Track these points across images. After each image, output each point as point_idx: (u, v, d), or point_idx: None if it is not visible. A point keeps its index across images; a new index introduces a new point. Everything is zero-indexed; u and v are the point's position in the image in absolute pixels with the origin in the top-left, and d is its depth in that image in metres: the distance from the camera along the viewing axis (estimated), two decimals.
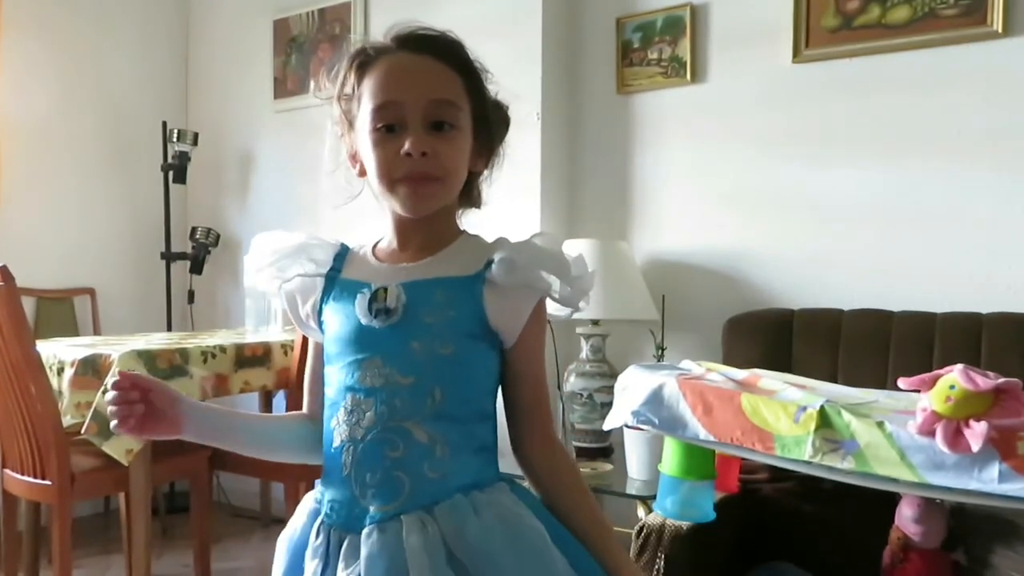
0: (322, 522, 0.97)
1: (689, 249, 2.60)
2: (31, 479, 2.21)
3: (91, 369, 2.20)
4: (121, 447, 2.13)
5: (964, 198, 2.16)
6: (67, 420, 2.18)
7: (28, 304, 2.91)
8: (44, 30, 3.27)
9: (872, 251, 2.28)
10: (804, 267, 2.39)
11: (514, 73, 2.72)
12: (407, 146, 0.92)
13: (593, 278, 1.02)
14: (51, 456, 2.14)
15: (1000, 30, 2.09)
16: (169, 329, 3.44)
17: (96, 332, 3.34)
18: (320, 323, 1.02)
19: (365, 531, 0.92)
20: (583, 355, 2.50)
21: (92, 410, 2.12)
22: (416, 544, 0.89)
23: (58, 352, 2.31)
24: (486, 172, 1.07)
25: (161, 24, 3.68)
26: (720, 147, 2.54)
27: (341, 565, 0.92)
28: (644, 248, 2.68)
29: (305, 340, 2.51)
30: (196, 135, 3.42)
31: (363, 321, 0.96)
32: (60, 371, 2.26)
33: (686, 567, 1.55)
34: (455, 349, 0.95)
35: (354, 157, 1.02)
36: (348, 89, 0.99)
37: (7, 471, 2.32)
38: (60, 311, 3.29)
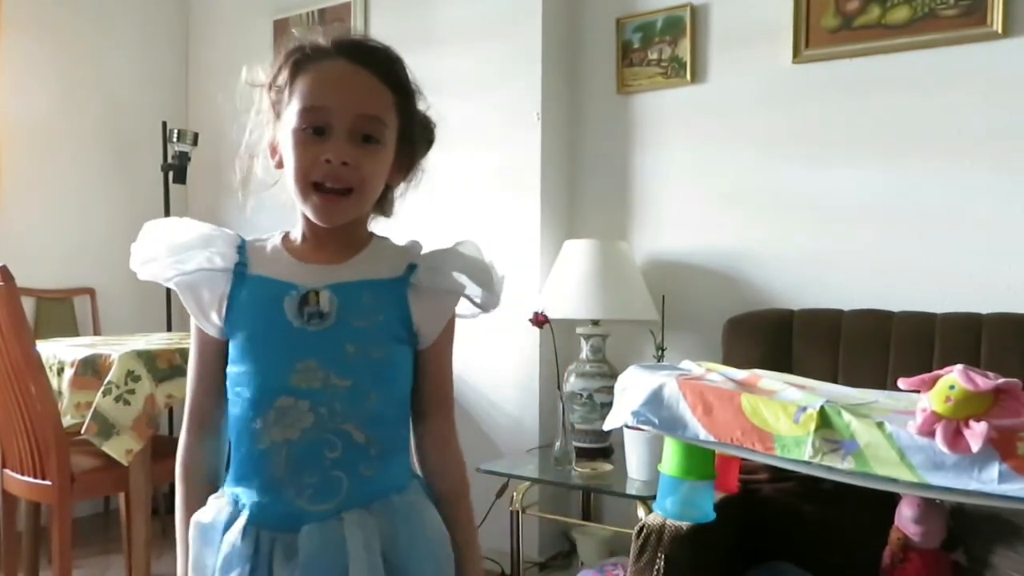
0: (246, 524, 0.94)
1: (689, 249, 2.60)
2: (31, 479, 2.21)
3: (91, 369, 2.20)
4: (121, 447, 2.13)
5: (964, 198, 2.16)
6: (67, 420, 2.18)
7: (28, 304, 2.91)
8: (44, 30, 3.27)
9: (872, 251, 2.28)
10: (804, 267, 2.39)
11: (514, 73, 2.74)
12: (329, 153, 0.94)
13: (503, 284, 1.07)
14: (51, 456, 2.14)
15: (1000, 30, 2.09)
16: (169, 329, 3.44)
17: (96, 332, 3.34)
18: (226, 319, 0.99)
19: (305, 529, 0.93)
20: (583, 355, 2.50)
21: (92, 410, 2.12)
22: (357, 540, 0.93)
23: (58, 352, 2.31)
24: (403, 185, 1.08)
25: (161, 24, 3.68)
26: (720, 147, 2.54)
27: (278, 565, 0.93)
28: (644, 248, 2.68)
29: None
30: (196, 135, 3.42)
31: (295, 324, 0.95)
32: (60, 371, 2.26)
33: (686, 567, 1.55)
34: (385, 352, 0.99)
35: (274, 148, 1.03)
36: (280, 81, 0.99)
37: (7, 471, 2.32)
38: (60, 311, 3.29)
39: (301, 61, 0.98)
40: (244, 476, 0.97)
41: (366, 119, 0.96)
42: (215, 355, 1.01)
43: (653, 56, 2.65)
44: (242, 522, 0.95)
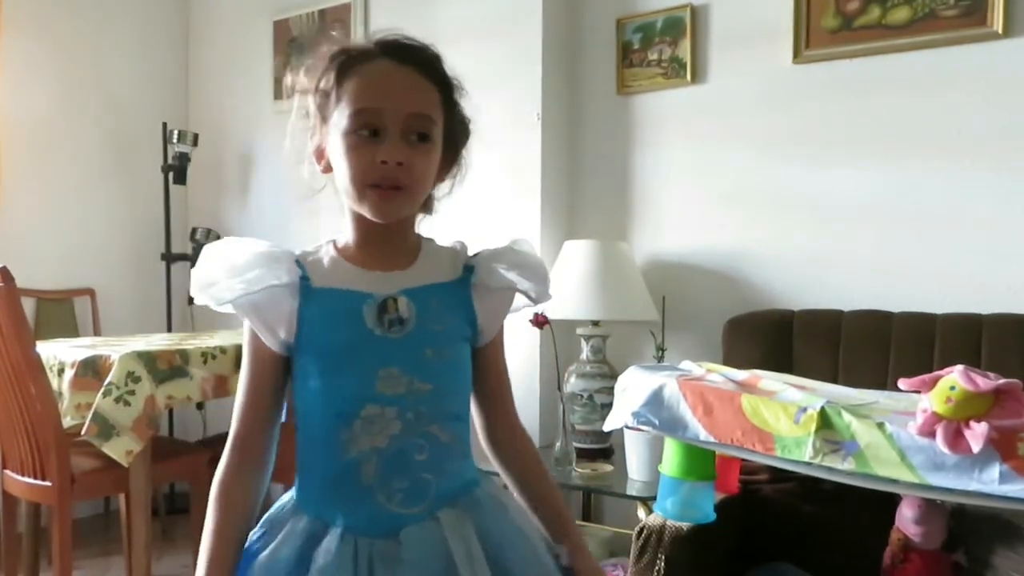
0: (343, 532, 0.94)
1: (689, 250, 2.60)
2: (31, 480, 2.21)
3: (91, 370, 2.20)
4: (121, 448, 2.13)
5: (964, 198, 2.16)
6: (67, 421, 2.18)
7: (28, 305, 2.91)
8: (44, 30, 3.27)
9: (872, 252, 2.28)
10: (804, 268, 2.39)
11: (514, 74, 2.74)
12: (384, 154, 0.94)
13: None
14: (51, 457, 2.14)
15: (1000, 31, 2.09)
16: (169, 330, 3.44)
17: (96, 333, 3.34)
18: (298, 335, 0.97)
19: (405, 532, 0.94)
20: (583, 356, 2.50)
21: (92, 411, 2.12)
22: (458, 538, 0.96)
23: (58, 353, 2.31)
24: (448, 181, 1.08)
25: (161, 25, 3.68)
26: (720, 148, 2.54)
27: (380, 571, 0.93)
28: (644, 249, 2.68)
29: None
30: (196, 136, 3.43)
31: (376, 332, 0.96)
32: (60, 372, 2.26)
33: (686, 568, 1.55)
34: (456, 353, 1.03)
35: (320, 153, 1.02)
36: (326, 85, 0.99)
37: (7, 472, 2.32)
38: (60, 312, 3.29)
39: (346, 64, 0.98)
40: (326, 492, 0.97)
41: (417, 118, 0.96)
42: (275, 372, 1.00)
43: (653, 56, 2.65)
44: (337, 531, 0.94)
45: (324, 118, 1.00)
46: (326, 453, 0.96)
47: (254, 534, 0.99)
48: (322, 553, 0.93)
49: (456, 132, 1.04)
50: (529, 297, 1.09)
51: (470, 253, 1.07)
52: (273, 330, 0.97)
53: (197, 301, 0.99)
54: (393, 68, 0.97)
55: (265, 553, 0.95)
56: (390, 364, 0.96)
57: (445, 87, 1.02)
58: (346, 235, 1.03)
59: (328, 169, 1.01)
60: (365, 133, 0.95)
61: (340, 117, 0.96)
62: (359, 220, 1.00)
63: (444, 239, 1.09)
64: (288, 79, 1.05)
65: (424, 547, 0.94)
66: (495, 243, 1.09)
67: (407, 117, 0.95)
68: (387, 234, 1.01)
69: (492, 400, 1.10)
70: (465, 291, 1.03)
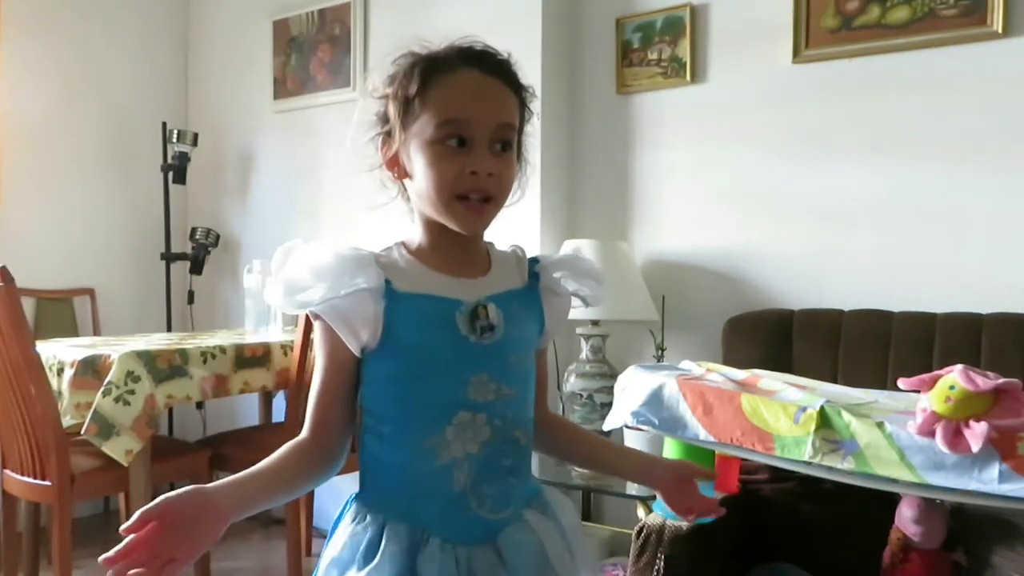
0: (443, 543, 0.94)
1: (689, 249, 2.60)
2: (31, 480, 2.21)
3: (91, 370, 2.20)
4: (121, 448, 2.13)
5: (964, 198, 2.16)
6: (67, 421, 2.18)
7: (28, 304, 2.91)
8: (44, 30, 3.27)
9: (872, 251, 2.28)
10: (804, 267, 2.39)
11: None
12: (475, 165, 0.94)
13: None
14: (51, 457, 2.14)
15: (1000, 30, 2.09)
16: (169, 329, 3.44)
17: (96, 332, 3.34)
18: (384, 338, 0.96)
19: (502, 536, 0.96)
20: (583, 355, 2.50)
21: (92, 410, 2.12)
22: (550, 538, 1.00)
23: (58, 353, 2.31)
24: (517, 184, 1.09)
25: (161, 25, 3.68)
26: (720, 147, 2.54)
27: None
28: (644, 248, 2.68)
29: (304, 348, 2.51)
30: (196, 135, 3.43)
31: (471, 339, 0.96)
32: (60, 372, 2.26)
33: (686, 567, 1.55)
34: (530, 358, 1.05)
35: (394, 160, 1.01)
36: (409, 92, 0.97)
37: (7, 472, 2.32)
38: (60, 311, 3.29)
39: (429, 71, 0.97)
40: (418, 496, 0.96)
41: (504, 127, 0.97)
42: (352, 372, 0.99)
43: (653, 56, 2.65)
44: (437, 542, 0.94)
45: (405, 126, 0.98)
46: (414, 459, 0.96)
47: (347, 557, 0.95)
48: (426, 567, 0.92)
49: (523, 136, 1.06)
50: (585, 301, 1.12)
51: (540, 259, 1.10)
52: (356, 333, 0.95)
53: (280, 306, 0.98)
54: (480, 78, 0.97)
55: (366, 572, 0.93)
56: (481, 370, 0.96)
57: (522, 95, 1.02)
58: (418, 240, 1.02)
59: (402, 176, 1.01)
60: (453, 143, 0.94)
61: (425, 126, 0.95)
62: (436, 228, 1.00)
63: (502, 244, 1.11)
64: (367, 83, 1.04)
65: (521, 550, 0.97)
66: (555, 250, 1.11)
67: (496, 127, 0.96)
68: (464, 242, 1.01)
69: (539, 394, 1.13)
70: (536, 297, 1.06)
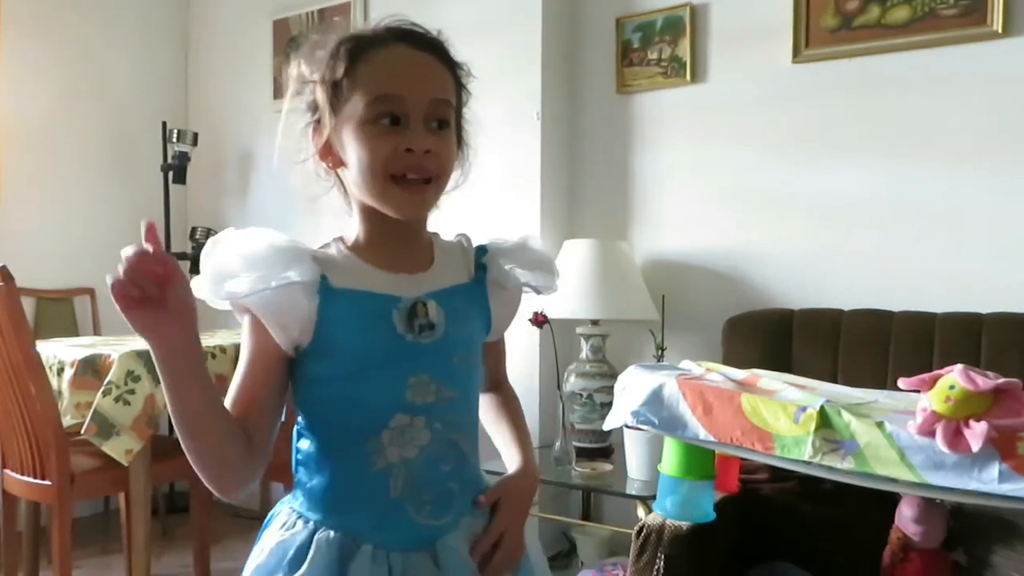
0: (374, 550, 0.90)
1: (689, 249, 2.60)
2: (31, 479, 2.21)
3: (91, 369, 2.20)
4: (121, 447, 2.13)
5: (964, 198, 2.16)
6: (67, 420, 2.18)
7: (28, 304, 2.91)
8: (44, 30, 3.27)
9: (872, 251, 2.28)
10: (804, 267, 2.39)
11: (514, 73, 2.73)
12: (412, 142, 0.88)
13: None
14: (51, 456, 2.14)
15: (1000, 30, 2.09)
16: None
17: (96, 332, 3.34)
18: (317, 337, 0.90)
19: (440, 544, 0.93)
20: (583, 355, 2.50)
21: (92, 410, 2.12)
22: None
23: (58, 352, 2.31)
24: (456, 171, 1.03)
25: (161, 24, 3.68)
26: (720, 147, 2.54)
27: None
28: (644, 248, 2.68)
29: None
30: (196, 135, 3.43)
31: (408, 338, 0.91)
32: (60, 371, 2.26)
33: (686, 567, 1.55)
34: (476, 356, 1.00)
35: (327, 149, 0.94)
36: (337, 74, 0.91)
37: (7, 471, 2.32)
38: (60, 311, 3.29)
39: (357, 50, 0.91)
40: (352, 502, 0.91)
41: (439, 104, 0.91)
42: (280, 370, 0.91)
43: (653, 56, 2.65)
44: (369, 548, 0.90)
45: (335, 110, 0.92)
46: (349, 464, 0.91)
47: (274, 564, 0.90)
48: (355, 573, 0.88)
49: (462, 117, 1.00)
50: (536, 291, 1.09)
51: (488, 249, 1.04)
52: (286, 329, 0.89)
53: (204, 296, 0.89)
54: (410, 53, 0.92)
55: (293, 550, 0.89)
56: (421, 371, 0.91)
57: (456, 72, 0.97)
58: (356, 233, 0.97)
59: (337, 165, 0.95)
60: (386, 122, 0.89)
61: (355, 107, 0.89)
62: (375, 218, 0.94)
63: (446, 233, 1.07)
64: (292, 69, 0.97)
65: (458, 558, 0.93)
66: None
67: (430, 103, 0.90)
68: (404, 232, 0.96)
69: (491, 387, 1.12)
70: (482, 291, 1.01)
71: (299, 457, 0.95)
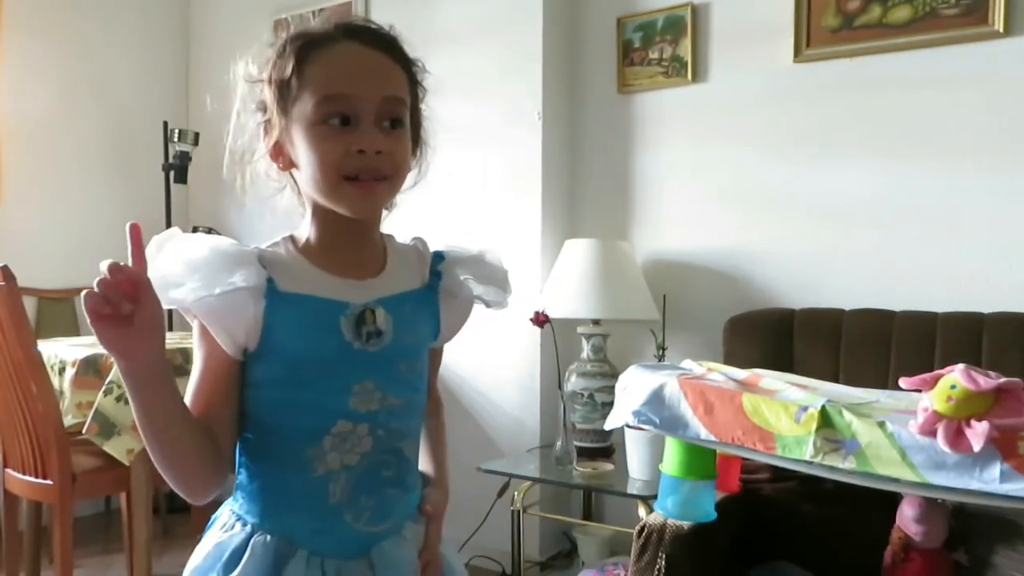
0: (309, 556, 0.89)
1: (690, 249, 2.60)
2: (32, 479, 2.21)
3: (92, 369, 2.20)
4: (122, 447, 2.13)
5: (965, 197, 2.16)
6: (68, 420, 2.19)
7: (29, 304, 2.91)
8: (45, 30, 3.27)
9: (873, 251, 2.28)
10: (805, 267, 2.38)
11: (515, 73, 2.74)
12: (363, 143, 0.87)
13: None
14: (52, 456, 2.14)
15: (1001, 30, 2.09)
16: (170, 329, 3.43)
17: None
18: (263, 342, 0.88)
19: (376, 551, 0.92)
20: (584, 355, 2.50)
21: (93, 410, 2.12)
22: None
23: (59, 352, 2.31)
24: (413, 174, 1.01)
25: (162, 24, 3.68)
26: (721, 147, 2.54)
27: None
28: (645, 248, 2.68)
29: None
30: (197, 135, 3.42)
31: (355, 345, 0.90)
32: (61, 371, 2.27)
33: (687, 567, 1.55)
34: (423, 364, 0.99)
35: (278, 150, 0.93)
36: (285, 73, 0.89)
37: (8, 471, 2.32)
38: (61, 311, 3.29)
39: (305, 48, 0.89)
40: (289, 507, 0.91)
41: (391, 102, 0.89)
42: (231, 376, 0.90)
43: (654, 55, 2.64)
44: (304, 554, 0.89)
45: (284, 110, 0.90)
46: (289, 469, 0.90)
47: (210, 564, 0.90)
48: None
49: (418, 115, 0.98)
50: (487, 305, 1.07)
51: (445, 258, 1.03)
52: (232, 335, 0.87)
53: (164, 304, 0.86)
54: (360, 50, 0.90)
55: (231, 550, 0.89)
56: (365, 378, 0.90)
57: (410, 70, 0.95)
58: (307, 234, 0.95)
59: (288, 166, 0.94)
60: (336, 122, 0.87)
61: (305, 107, 0.88)
62: (328, 219, 0.92)
63: (403, 236, 1.04)
64: (241, 68, 0.96)
65: (395, 564, 0.93)
66: (463, 244, 1.06)
67: (381, 102, 0.88)
68: (355, 234, 0.94)
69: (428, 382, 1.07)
70: (434, 299, 1.00)
71: (241, 459, 0.94)
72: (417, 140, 0.98)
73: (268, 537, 0.89)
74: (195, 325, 0.91)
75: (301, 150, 0.89)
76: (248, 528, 0.91)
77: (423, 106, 0.99)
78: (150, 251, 0.87)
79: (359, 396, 0.90)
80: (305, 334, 0.88)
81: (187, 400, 0.89)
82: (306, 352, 0.89)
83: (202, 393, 0.90)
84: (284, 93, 0.90)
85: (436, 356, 1.07)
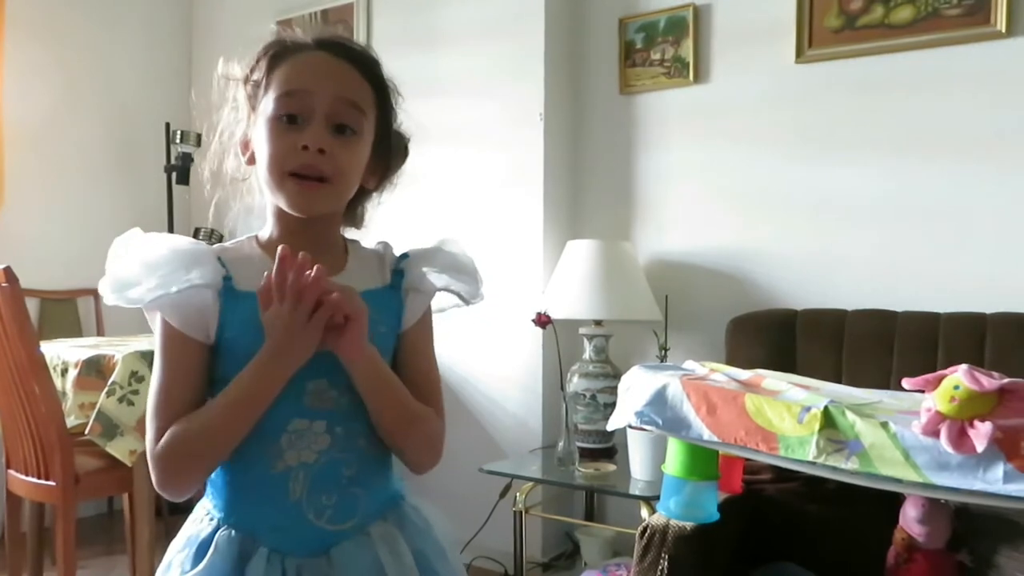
0: (269, 554, 0.90)
1: (692, 249, 2.60)
2: (35, 480, 2.22)
3: (95, 370, 2.20)
4: (125, 448, 2.13)
5: (968, 198, 2.16)
6: (71, 421, 2.19)
7: (32, 305, 2.92)
8: (48, 31, 3.28)
9: (876, 251, 2.28)
10: (808, 267, 2.38)
11: (517, 73, 2.74)
12: (306, 139, 0.90)
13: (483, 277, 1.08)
14: (55, 457, 2.15)
15: (1003, 30, 2.09)
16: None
17: (100, 333, 3.34)
18: (219, 340, 0.91)
19: (336, 550, 0.92)
20: (586, 356, 2.49)
21: (96, 411, 2.12)
22: (389, 554, 0.94)
23: (62, 353, 2.31)
24: (375, 194, 1.04)
25: (165, 25, 3.69)
26: (723, 147, 2.54)
27: None
28: (647, 248, 2.68)
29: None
30: (199, 136, 3.43)
31: None
32: (64, 372, 2.27)
33: (690, 568, 1.55)
34: (387, 362, 0.97)
35: (246, 144, 0.99)
36: (257, 75, 0.96)
37: (11, 472, 2.32)
38: (64, 312, 3.29)
39: (279, 54, 0.95)
40: (252, 503, 0.92)
41: (345, 104, 0.93)
42: (201, 369, 0.92)
43: (656, 56, 2.65)
44: (265, 552, 0.90)
45: (253, 107, 0.96)
46: (250, 465, 0.91)
47: (181, 554, 0.92)
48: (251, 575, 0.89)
49: (390, 139, 1.00)
50: (461, 298, 1.05)
51: (397, 253, 1.04)
52: (193, 329, 0.91)
53: (108, 301, 0.91)
54: (327, 58, 0.95)
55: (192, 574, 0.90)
56: (319, 377, 0.91)
57: (380, 89, 0.98)
58: (268, 232, 0.99)
59: (252, 161, 0.97)
60: (286, 119, 0.91)
61: (267, 103, 0.93)
62: (281, 216, 0.96)
63: (369, 241, 1.05)
64: (220, 67, 1.01)
65: (356, 564, 0.92)
66: (424, 243, 1.05)
67: (334, 102, 0.92)
68: (310, 233, 0.96)
69: (411, 378, 1.00)
70: (396, 296, 1.00)
71: None
72: (384, 163, 1.01)
73: (232, 532, 0.91)
74: (158, 329, 0.93)
75: (258, 145, 0.94)
76: (215, 522, 0.93)
77: (397, 127, 1.02)
78: (112, 251, 0.92)
79: (313, 395, 0.92)
80: (257, 331, 0.88)
81: (167, 394, 0.91)
82: (249, 348, 0.89)
83: (189, 388, 0.91)
84: (255, 92, 0.96)
85: (415, 341, 1.02)
